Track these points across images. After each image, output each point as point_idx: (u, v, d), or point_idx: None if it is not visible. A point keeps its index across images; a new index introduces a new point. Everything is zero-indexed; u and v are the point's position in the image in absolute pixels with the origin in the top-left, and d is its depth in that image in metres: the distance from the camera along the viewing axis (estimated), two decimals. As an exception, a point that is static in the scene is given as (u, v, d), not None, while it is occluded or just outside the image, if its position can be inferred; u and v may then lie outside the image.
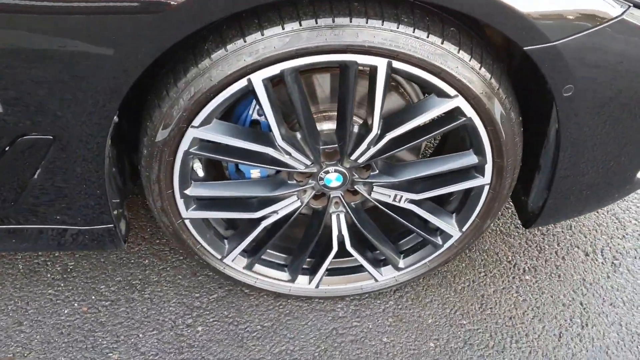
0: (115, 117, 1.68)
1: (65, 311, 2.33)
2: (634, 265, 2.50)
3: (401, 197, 1.98)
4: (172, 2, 1.45)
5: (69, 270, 2.46)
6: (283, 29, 1.57)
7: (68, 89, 1.59)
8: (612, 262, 2.51)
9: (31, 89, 1.59)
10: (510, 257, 2.51)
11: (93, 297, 2.37)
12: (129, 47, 1.51)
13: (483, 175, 1.92)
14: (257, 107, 1.92)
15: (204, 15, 1.49)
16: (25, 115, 1.65)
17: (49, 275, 2.44)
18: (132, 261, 2.50)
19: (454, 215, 2.09)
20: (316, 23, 1.56)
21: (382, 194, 1.99)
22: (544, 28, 1.56)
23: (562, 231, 2.61)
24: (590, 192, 2.04)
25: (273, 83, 1.69)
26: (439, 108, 1.74)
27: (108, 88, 1.59)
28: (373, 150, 1.84)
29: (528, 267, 2.47)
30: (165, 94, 1.69)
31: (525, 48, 1.59)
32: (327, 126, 1.97)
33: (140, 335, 2.25)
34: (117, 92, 1.60)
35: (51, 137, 1.70)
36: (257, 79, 1.64)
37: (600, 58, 1.65)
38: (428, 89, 1.74)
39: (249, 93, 1.70)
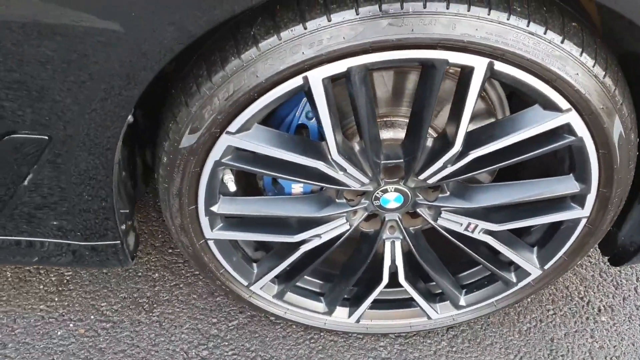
0: (129, 117, 1.30)
1: (59, 333, 1.97)
2: None
3: (476, 226, 1.61)
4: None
5: (65, 281, 2.10)
6: (357, 13, 1.18)
7: (69, 77, 1.21)
8: (702, 305, 2.13)
9: (22, 74, 1.21)
10: (582, 293, 2.13)
11: (92, 317, 2.02)
12: (155, 22, 1.13)
13: (582, 207, 1.55)
14: (306, 109, 1.54)
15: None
16: (13, 108, 1.28)
17: (41, 286, 2.09)
18: (140, 274, 2.14)
19: (535, 249, 1.72)
20: (401, 8, 1.18)
21: (451, 221, 1.62)
22: None
23: (641, 263, 2.24)
24: None
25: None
26: (543, 124, 1.36)
27: (122, 77, 1.21)
28: (450, 169, 1.46)
29: (604, 306, 2.10)
30: (196, 90, 1.31)
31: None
32: (387, 135, 1.60)
33: (147, 370, 1.90)
34: (134, 84, 1.22)
35: (46, 138, 1.33)
36: (317, 77, 1.27)
37: None
38: (532, 98, 1.35)
39: (298, 92, 1.32)
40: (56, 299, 2.06)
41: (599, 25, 1.42)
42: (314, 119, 1.56)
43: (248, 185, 1.77)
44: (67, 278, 2.11)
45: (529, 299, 2.10)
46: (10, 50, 1.18)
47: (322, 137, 1.50)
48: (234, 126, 1.35)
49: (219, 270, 1.72)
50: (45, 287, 2.09)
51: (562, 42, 1.24)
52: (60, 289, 2.08)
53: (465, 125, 1.36)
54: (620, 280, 2.18)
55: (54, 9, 1.13)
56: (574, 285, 2.15)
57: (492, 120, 1.63)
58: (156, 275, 2.15)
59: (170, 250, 2.21)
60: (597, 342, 2.01)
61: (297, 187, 1.65)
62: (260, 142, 1.40)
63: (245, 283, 1.77)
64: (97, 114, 1.28)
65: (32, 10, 1.13)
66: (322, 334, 2.00)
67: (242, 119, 1.34)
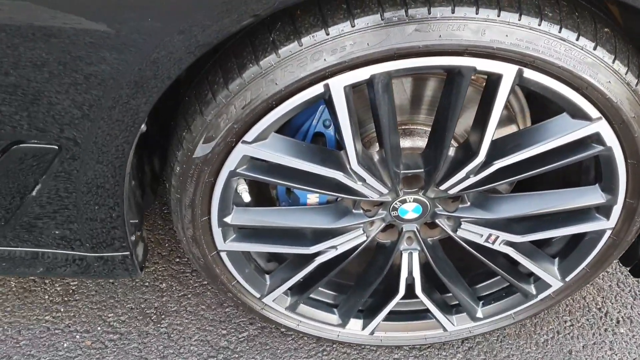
0: (142, 126, 1.25)
1: (65, 345, 1.92)
2: None
3: (497, 237, 1.56)
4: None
5: (70, 292, 2.05)
6: (382, 18, 1.13)
7: (81, 86, 1.16)
8: None
9: (30, 80, 1.16)
10: (600, 304, 2.08)
11: (99, 329, 1.96)
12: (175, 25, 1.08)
13: (607, 218, 1.50)
14: (323, 117, 1.49)
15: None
16: (21, 117, 1.23)
17: (46, 297, 2.03)
18: (147, 284, 2.09)
19: (556, 260, 1.67)
20: (429, 13, 1.13)
21: (471, 232, 1.57)
22: None
23: (660, 273, 2.19)
24: None
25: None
26: (572, 133, 1.31)
27: (136, 85, 1.16)
28: (473, 180, 1.41)
29: (622, 318, 2.05)
30: (211, 98, 1.26)
31: None
32: (406, 144, 1.55)
33: (155, 384, 1.85)
34: (148, 92, 1.16)
35: (56, 147, 1.28)
36: (338, 85, 1.21)
37: None
38: (561, 106, 1.30)
39: (318, 100, 1.27)
40: (62, 310, 2.01)
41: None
42: (331, 127, 1.52)
43: (260, 195, 1.72)
44: (73, 288, 2.06)
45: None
46: (20, 57, 1.13)
47: (339, 145, 1.46)
48: (250, 135, 1.30)
49: (231, 282, 1.67)
50: (51, 297, 2.04)
51: (594, 48, 1.19)
52: (66, 299, 2.03)
53: (490, 135, 1.31)
54: (639, 291, 2.13)
55: (70, 19, 1.08)
56: (591, 296, 2.10)
57: (513, 127, 1.59)
58: (164, 285, 2.09)
59: (177, 260, 2.16)
60: (616, 355, 1.96)
61: (312, 197, 1.60)
62: (277, 152, 1.35)
63: (258, 295, 1.72)
64: (110, 123, 1.22)
65: (44, 17, 1.08)
66: (334, 346, 1.95)
67: (259, 128, 1.29)
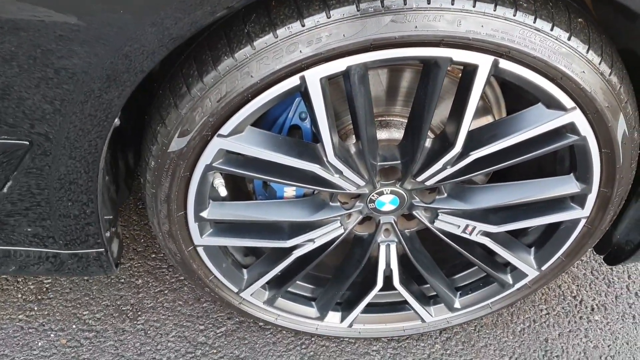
0: (116, 120, 1.23)
1: (39, 344, 1.89)
2: None
3: (474, 228, 1.56)
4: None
5: (44, 289, 2.02)
6: (358, 9, 1.13)
7: (51, 79, 1.14)
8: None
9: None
10: (575, 292, 2.11)
11: (74, 327, 1.94)
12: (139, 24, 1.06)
13: (582, 207, 1.52)
14: (299, 110, 1.48)
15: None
16: (-9, 113, 1.20)
17: (19, 295, 2.00)
18: (123, 280, 2.06)
19: (532, 250, 1.68)
20: (405, 4, 1.12)
21: (448, 223, 1.57)
22: None
23: (632, 260, 2.22)
24: None
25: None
26: (547, 123, 1.32)
27: (109, 78, 1.14)
28: (450, 171, 1.41)
29: (597, 305, 2.08)
30: (186, 91, 1.24)
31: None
32: (382, 136, 1.55)
33: (133, 381, 1.83)
34: (121, 86, 1.14)
35: (27, 143, 1.25)
36: (314, 77, 1.20)
37: None
38: (535, 96, 1.30)
39: (294, 92, 1.26)
40: (35, 308, 1.97)
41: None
42: (307, 119, 1.51)
43: (236, 189, 1.71)
44: (47, 286, 2.03)
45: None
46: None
47: (315, 138, 1.45)
48: (226, 129, 1.29)
49: (209, 277, 1.66)
50: (24, 295, 2.00)
51: (568, 38, 1.19)
52: (39, 297, 2.00)
53: (467, 126, 1.31)
54: (612, 278, 2.16)
55: (39, 12, 1.05)
56: (567, 284, 2.13)
57: (489, 117, 1.59)
58: (139, 281, 2.07)
59: (153, 255, 2.14)
60: (591, 342, 1.99)
61: (289, 191, 1.59)
62: (253, 145, 1.33)
63: (235, 290, 1.71)
64: (82, 118, 1.20)
65: (13, 9, 1.05)
66: (313, 339, 1.95)
67: (235, 121, 1.27)
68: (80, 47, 1.09)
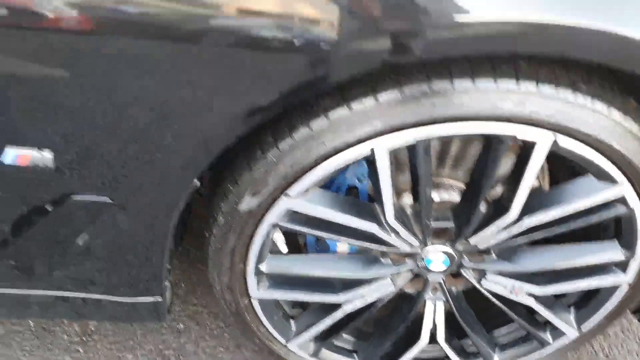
0: (195, 181, 1.31)
1: (85, 385, 1.94)
2: None
3: (520, 289, 1.62)
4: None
5: (89, 332, 2.07)
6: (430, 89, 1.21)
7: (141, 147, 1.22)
8: None
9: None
10: (607, 350, 2.15)
11: (118, 370, 1.98)
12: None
13: (624, 272, 1.58)
14: (357, 171, 1.56)
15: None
16: (78, 170, 1.28)
17: (65, 336, 2.05)
18: (165, 325, 2.12)
19: (573, 310, 1.73)
20: (473, 82, 1.21)
21: (496, 284, 1.63)
22: None
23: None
24: None
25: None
26: (598, 195, 1.39)
27: (195, 146, 1.22)
28: (503, 235, 1.48)
29: (629, 365, 2.12)
30: (261, 155, 1.32)
31: None
32: (434, 197, 1.62)
33: None
34: (207, 152, 1.23)
35: (108, 199, 1.33)
36: (383, 147, 1.28)
37: None
38: (587, 170, 1.38)
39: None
40: (81, 350, 2.02)
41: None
42: (364, 180, 1.58)
43: (287, 243, 1.78)
44: (92, 329, 2.08)
45: (555, 356, 2.11)
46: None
47: (370, 198, 1.52)
48: (294, 190, 1.36)
49: (260, 329, 1.71)
50: (70, 337, 2.06)
51: (624, 119, 1.27)
52: (84, 339, 2.05)
53: (524, 195, 1.38)
54: (643, 338, 2.20)
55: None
56: (598, 342, 2.17)
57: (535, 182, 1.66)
58: (181, 326, 2.12)
59: (195, 301, 2.19)
60: (624, 401, 2.03)
61: (342, 246, 1.66)
62: (317, 205, 1.41)
63: (283, 341, 1.76)
64: (164, 179, 1.28)
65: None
66: (352, 389, 1.99)
67: (304, 183, 1.35)
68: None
